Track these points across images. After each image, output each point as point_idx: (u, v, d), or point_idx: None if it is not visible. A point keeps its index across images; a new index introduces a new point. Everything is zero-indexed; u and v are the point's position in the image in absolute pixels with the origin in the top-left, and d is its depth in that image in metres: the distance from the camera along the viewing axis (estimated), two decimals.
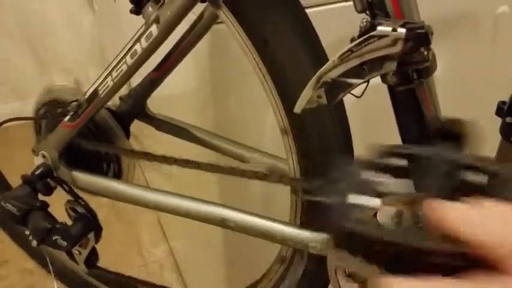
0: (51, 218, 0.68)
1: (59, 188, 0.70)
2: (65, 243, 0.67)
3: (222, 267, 0.98)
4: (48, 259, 0.80)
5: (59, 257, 0.88)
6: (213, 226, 0.60)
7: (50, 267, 0.81)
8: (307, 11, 0.52)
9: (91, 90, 0.61)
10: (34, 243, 0.68)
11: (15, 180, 0.71)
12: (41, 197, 0.69)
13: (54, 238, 0.67)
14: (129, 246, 1.41)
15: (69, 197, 0.69)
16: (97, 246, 0.72)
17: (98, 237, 0.70)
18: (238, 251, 0.94)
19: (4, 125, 0.73)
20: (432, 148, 0.41)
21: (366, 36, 0.40)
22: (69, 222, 0.70)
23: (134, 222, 1.46)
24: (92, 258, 0.72)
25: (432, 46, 0.42)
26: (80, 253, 0.70)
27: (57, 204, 0.71)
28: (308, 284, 0.63)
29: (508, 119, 0.48)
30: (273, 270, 0.66)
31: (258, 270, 0.70)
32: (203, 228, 0.63)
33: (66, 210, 0.70)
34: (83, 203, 0.68)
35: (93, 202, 0.71)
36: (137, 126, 0.75)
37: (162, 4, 0.53)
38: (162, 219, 1.45)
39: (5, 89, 1.96)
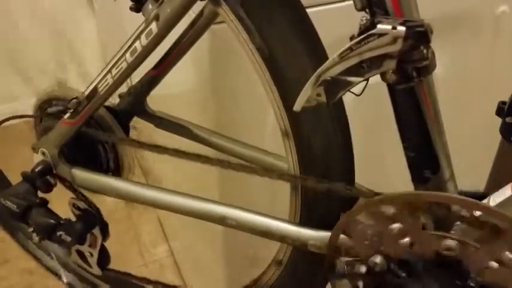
0: (53, 214, 0.68)
1: (57, 188, 0.70)
2: (69, 238, 0.66)
3: (222, 267, 0.98)
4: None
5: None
6: (213, 226, 0.60)
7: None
8: (307, 10, 0.52)
9: (91, 87, 0.61)
10: (36, 239, 0.67)
11: (15, 178, 0.71)
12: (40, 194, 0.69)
13: (58, 234, 0.66)
14: (129, 246, 1.40)
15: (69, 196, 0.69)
16: None
17: (104, 234, 0.69)
18: (238, 251, 0.94)
19: (3, 124, 0.73)
20: None
21: (365, 35, 0.40)
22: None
23: (134, 222, 1.46)
24: (104, 259, 0.71)
25: (432, 46, 0.42)
26: (91, 254, 0.70)
27: (56, 204, 0.71)
28: None
29: (508, 119, 0.48)
30: (268, 273, 0.66)
31: (258, 270, 0.70)
32: (203, 228, 0.63)
33: (71, 209, 0.70)
34: (84, 199, 0.68)
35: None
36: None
37: (162, 2, 0.53)
38: (162, 219, 1.45)
39: None
